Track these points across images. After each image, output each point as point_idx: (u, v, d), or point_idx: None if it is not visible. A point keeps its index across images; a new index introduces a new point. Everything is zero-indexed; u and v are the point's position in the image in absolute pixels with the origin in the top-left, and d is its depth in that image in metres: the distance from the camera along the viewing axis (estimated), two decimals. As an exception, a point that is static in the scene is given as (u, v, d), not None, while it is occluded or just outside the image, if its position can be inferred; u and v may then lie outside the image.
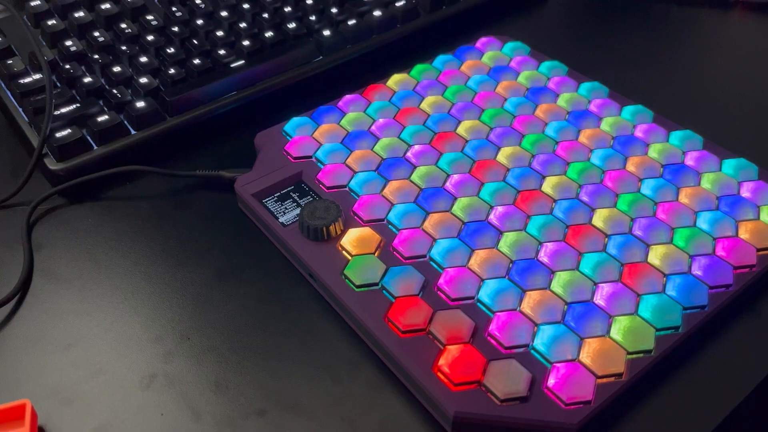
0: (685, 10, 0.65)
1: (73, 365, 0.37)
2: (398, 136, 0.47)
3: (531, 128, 0.48)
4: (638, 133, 0.48)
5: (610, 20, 0.64)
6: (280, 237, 0.41)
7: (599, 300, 0.37)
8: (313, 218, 0.40)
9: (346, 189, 0.44)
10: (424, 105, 0.50)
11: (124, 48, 0.52)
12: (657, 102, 0.52)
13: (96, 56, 0.51)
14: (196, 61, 0.51)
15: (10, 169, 0.48)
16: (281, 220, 0.42)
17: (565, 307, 0.37)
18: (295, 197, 0.43)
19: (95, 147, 0.47)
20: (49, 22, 0.54)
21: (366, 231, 0.41)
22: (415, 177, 0.44)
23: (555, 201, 0.43)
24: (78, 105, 0.48)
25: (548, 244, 0.40)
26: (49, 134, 0.46)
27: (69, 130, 0.46)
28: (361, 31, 0.55)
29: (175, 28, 0.54)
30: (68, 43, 0.52)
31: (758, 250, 0.40)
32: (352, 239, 0.40)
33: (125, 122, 0.48)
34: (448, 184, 0.44)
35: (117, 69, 0.50)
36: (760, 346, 0.37)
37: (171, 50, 0.52)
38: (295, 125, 0.48)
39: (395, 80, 0.52)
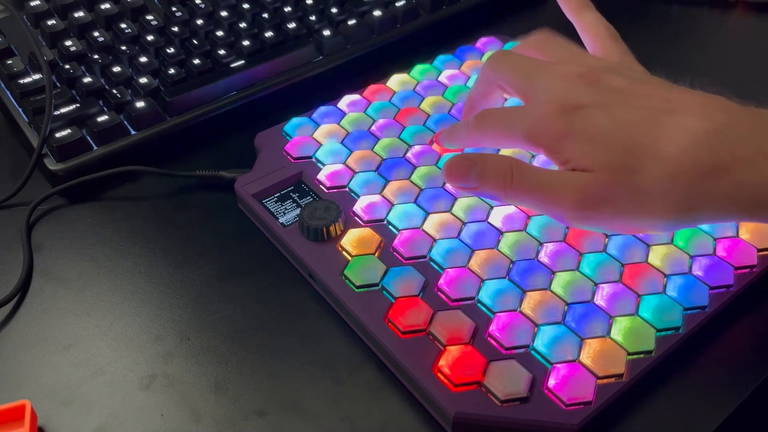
0: (685, 10, 0.65)
1: (73, 365, 0.37)
2: (398, 137, 0.47)
3: (531, 128, 0.48)
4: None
5: (609, 20, 0.64)
6: (280, 237, 0.41)
7: (599, 300, 0.37)
8: (313, 218, 0.40)
9: (346, 189, 0.44)
10: (425, 105, 0.50)
11: (124, 48, 0.52)
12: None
13: (96, 56, 0.51)
14: (196, 62, 0.51)
15: (10, 169, 0.48)
16: (281, 220, 0.42)
17: (566, 307, 0.37)
18: (295, 197, 0.43)
19: (95, 147, 0.47)
20: (49, 22, 0.54)
21: (366, 231, 0.41)
22: (415, 177, 0.44)
23: (555, 201, 0.43)
24: (78, 105, 0.48)
25: (548, 244, 0.40)
26: (49, 134, 0.46)
27: (69, 131, 0.46)
28: (361, 31, 0.55)
29: (175, 28, 0.54)
30: (68, 43, 0.52)
31: (759, 250, 0.40)
32: (352, 239, 0.40)
33: (125, 122, 0.48)
34: (448, 184, 0.44)
35: (117, 69, 0.50)
36: (760, 346, 0.37)
37: (171, 50, 0.52)
38: (295, 125, 0.48)
39: (395, 80, 0.52)
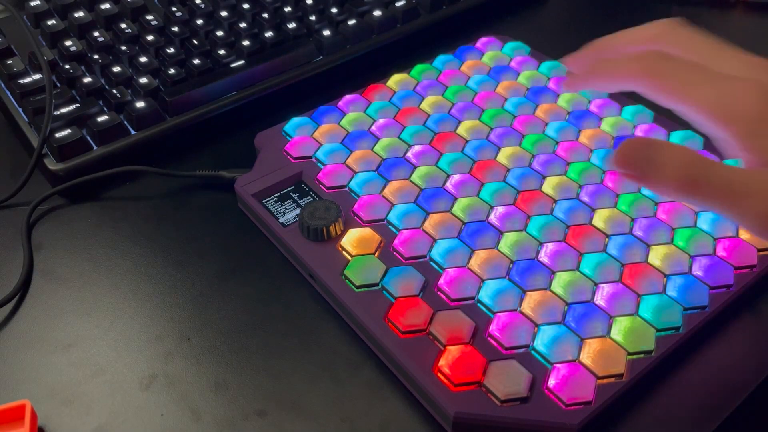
0: (685, 9, 0.65)
1: (73, 365, 0.37)
2: (398, 137, 0.47)
3: (531, 128, 0.48)
4: (638, 133, 0.48)
5: (610, 20, 0.64)
6: (280, 237, 0.41)
7: (599, 300, 0.37)
8: (313, 218, 0.40)
9: (346, 189, 0.44)
10: (425, 105, 0.50)
11: (124, 48, 0.52)
12: (657, 102, 0.52)
13: (96, 56, 0.51)
14: (196, 61, 0.51)
15: (10, 169, 0.48)
16: (281, 220, 0.42)
17: (566, 307, 0.37)
18: (295, 197, 0.43)
19: (95, 147, 0.47)
20: (49, 22, 0.54)
21: (366, 231, 0.41)
22: (415, 177, 0.44)
23: (555, 201, 0.43)
24: (78, 105, 0.48)
25: (548, 244, 0.40)
26: (49, 134, 0.46)
27: (69, 130, 0.46)
28: (361, 31, 0.55)
29: (175, 28, 0.54)
30: (68, 43, 0.52)
31: (759, 250, 0.40)
32: (352, 239, 0.40)
33: (125, 122, 0.48)
34: (448, 184, 0.44)
35: (117, 69, 0.50)
36: (760, 346, 0.37)
37: (171, 50, 0.52)
38: (295, 125, 0.48)
39: (395, 80, 0.52)
